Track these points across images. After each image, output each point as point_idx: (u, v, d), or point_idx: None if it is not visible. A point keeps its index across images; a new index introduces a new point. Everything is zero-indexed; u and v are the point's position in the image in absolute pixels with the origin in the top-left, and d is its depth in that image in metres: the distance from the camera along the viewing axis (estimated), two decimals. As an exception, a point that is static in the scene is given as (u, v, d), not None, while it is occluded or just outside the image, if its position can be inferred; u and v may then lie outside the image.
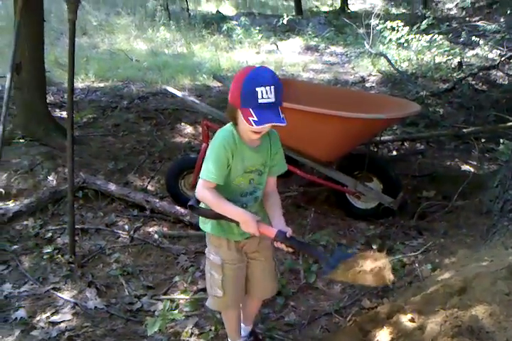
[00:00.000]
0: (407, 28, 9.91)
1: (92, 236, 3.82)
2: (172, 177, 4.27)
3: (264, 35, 11.63)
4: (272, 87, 1.93)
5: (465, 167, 5.07)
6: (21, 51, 4.62)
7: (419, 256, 3.42)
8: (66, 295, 3.12)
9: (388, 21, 10.13)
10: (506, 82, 8.00)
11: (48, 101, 5.31)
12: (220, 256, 2.29)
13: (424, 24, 10.25)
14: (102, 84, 7.68)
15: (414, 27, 10.15)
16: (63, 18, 10.95)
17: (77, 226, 3.63)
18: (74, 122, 3.47)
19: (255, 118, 1.92)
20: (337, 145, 4.01)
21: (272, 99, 1.94)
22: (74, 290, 3.17)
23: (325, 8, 16.65)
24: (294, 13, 14.63)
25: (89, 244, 3.69)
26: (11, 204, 4.03)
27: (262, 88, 1.92)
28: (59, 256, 3.49)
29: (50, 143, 4.94)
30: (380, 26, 10.09)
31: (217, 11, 14.57)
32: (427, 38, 9.65)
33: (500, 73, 8.26)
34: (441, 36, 9.78)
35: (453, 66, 8.77)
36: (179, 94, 4.70)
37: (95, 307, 3.01)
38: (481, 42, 9.85)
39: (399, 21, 10.08)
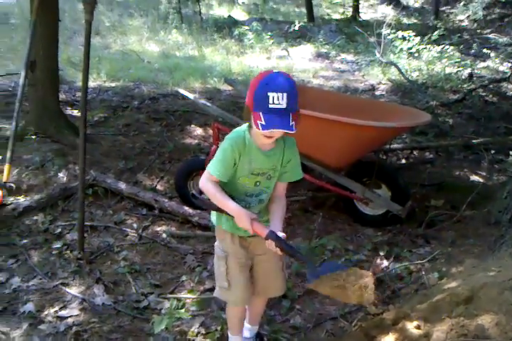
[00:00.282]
0: (418, 38, 9.96)
1: (101, 233, 3.84)
2: (181, 177, 4.29)
3: (275, 40, 11.68)
4: (285, 93, 1.92)
5: (474, 177, 5.07)
6: (36, 49, 4.68)
7: (426, 264, 3.43)
8: (74, 290, 3.14)
9: (399, 31, 10.17)
10: (516, 95, 8.02)
11: (59, 99, 5.34)
12: (223, 248, 2.34)
13: (435, 35, 10.31)
14: (113, 84, 7.73)
15: (426, 37, 10.19)
16: (77, 17, 11.05)
17: (86, 223, 3.64)
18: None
19: (263, 123, 1.93)
20: (347, 152, 4.03)
21: (283, 106, 1.93)
22: (82, 286, 3.19)
23: (336, 16, 16.72)
24: (305, 20, 14.69)
25: (97, 241, 3.71)
26: (22, 199, 4.06)
27: (274, 93, 1.91)
28: (68, 251, 3.51)
29: (62, 140, 4.98)
30: (391, 36, 10.12)
31: (229, 16, 14.65)
32: (438, 48, 9.67)
33: (510, 86, 8.27)
34: (452, 47, 9.81)
35: (463, 77, 8.79)
36: (191, 96, 4.73)
37: (103, 303, 3.03)
38: (492, 54, 9.88)
39: (410, 31, 10.13)
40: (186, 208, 4.06)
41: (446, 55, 9.50)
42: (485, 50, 9.96)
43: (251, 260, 2.39)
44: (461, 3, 17.30)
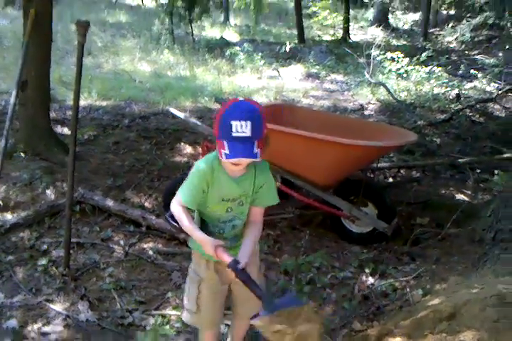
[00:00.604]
0: (407, 59, 10.15)
1: (87, 250, 3.83)
2: (169, 195, 4.26)
3: (266, 61, 11.81)
4: (249, 121, 1.90)
5: (459, 196, 5.12)
6: (28, 69, 4.70)
7: (410, 281, 3.45)
8: (58, 307, 3.13)
9: (388, 52, 10.34)
10: (503, 115, 8.14)
11: (50, 117, 5.37)
12: (198, 273, 2.33)
13: (423, 56, 10.51)
14: (104, 103, 7.76)
15: (414, 58, 10.39)
16: (69, 38, 11.14)
17: (72, 240, 3.63)
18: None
19: (226, 151, 1.92)
20: (335, 171, 4.09)
21: (248, 134, 1.90)
22: (66, 302, 3.18)
23: (327, 38, 16.94)
24: (296, 41, 14.88)
25: (83, 258, 3.70)
26: (9, 216, 4.07)
27: (237, 122, 1.89)
28: (53, 268, 3.50)
29: (51, 158, 4.99)
30: (381, 57, 10.28)
31: (222, 37, 14.82)
32: (426, 69, 9.84)
33: (497, 106, 8.41)
34: (440, 68, 9.95)
35: (451, 97, 8.93)
36: (181, 115, 4.78)
37: (87, 320, 3.02)
38: (480, 75, 10.02)
39: (399, 52, 10.30)
40: (173, 225, 4.06)
41: (434, 76, 9.65)
42: (472, 71, 10.11)
43: (228, 285, 2.36)
44: (450, 25, 17.65)
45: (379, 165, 5.16)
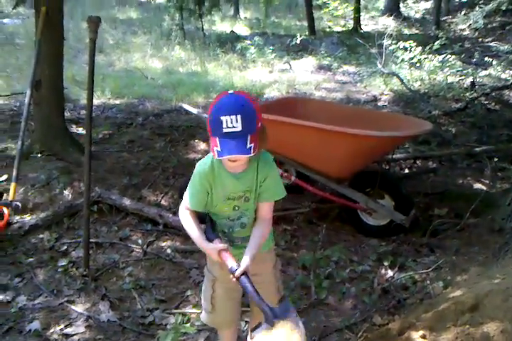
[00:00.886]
0: (419, 48, 10.03)
1: (106, 250, 3.86)
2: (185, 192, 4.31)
3: (277, 54, 11.78)
4: (239, 115, 1.82)
5: (477, 185, 5.07)
6: (41, 69, 4.74)
7: (430, 274, 3.43)
8: (80, 307, 3.15)
9: (401, 41, 10.23)
10: (519, 102, 8.02)
11: (64, 117, 5.41)
12: (212, 272, 2.32)
13: (436, 44, 10.37)
14: (117, 101, 7.80)
15: (427, 47, 10.25)
16: (81, 36, 11.20)
17: (91, 240, 3.67)
18: (91, 138, 3.52)
19: (219, 149, 1.84)
20: (350, 163, 4.05)
21: (238, 128, 1.82)
22: (87, 303, 3.20)
23: (338, 29, 16.81)
24: (307, 33, 14.80)
25: (103, 258, 3.72)
26: (28, 218, 4.10)
27: (227, 117, 1.82)
28: (73, 269, 3.53)
29: (67, 158, 5.02)
30: (393, 46, 10.19)
31: (232, 31, 14.78)
32: (440, 58, 9.73)
33: (512, 93, 8.30)
34: (453, 56, 9.85)
35: (465, 86, 8.80)
36: (194, 111, 4.78)
37: (108, 320, 3.04)
38: (494, 62, 9.90)
39: (411, 41, 10.19)
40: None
41: (447, 64, 9.55)
42: (486, 59, 9.99)
43: None
44: (462, 13, 17.40)
45: (394, 156, 5.12)
